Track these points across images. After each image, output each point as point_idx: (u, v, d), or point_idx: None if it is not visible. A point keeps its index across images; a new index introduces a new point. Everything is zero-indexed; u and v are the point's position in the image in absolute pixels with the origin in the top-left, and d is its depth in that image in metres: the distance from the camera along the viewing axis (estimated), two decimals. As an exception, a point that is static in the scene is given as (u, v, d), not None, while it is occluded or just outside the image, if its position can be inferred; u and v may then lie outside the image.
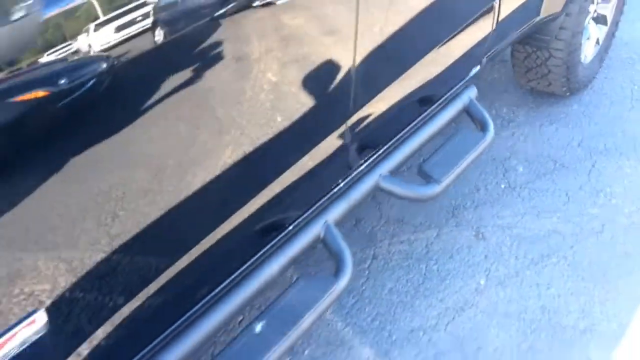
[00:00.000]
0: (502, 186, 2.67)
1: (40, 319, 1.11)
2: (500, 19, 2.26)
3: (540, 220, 2.50)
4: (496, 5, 2.23)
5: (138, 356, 1.40)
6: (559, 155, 2.83)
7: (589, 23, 3.03)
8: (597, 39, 3.19)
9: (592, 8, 2.99)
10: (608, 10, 3.14)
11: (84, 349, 1.23)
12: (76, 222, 1.15)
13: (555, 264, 2.32)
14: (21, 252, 1.07)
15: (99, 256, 1.21)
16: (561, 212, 2.53)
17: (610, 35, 3.26)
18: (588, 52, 3.13)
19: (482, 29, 2.19)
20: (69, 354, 1.21)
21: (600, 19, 3.16)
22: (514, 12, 2.36)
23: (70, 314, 1.18)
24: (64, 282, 1.14)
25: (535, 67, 2.97)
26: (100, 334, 1.26)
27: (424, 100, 2.12)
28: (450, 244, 2.41)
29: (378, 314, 2.15)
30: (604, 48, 3.26)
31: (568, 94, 3.11)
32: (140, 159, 1.24)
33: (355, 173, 1.92)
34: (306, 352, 2.04)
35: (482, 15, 2.16)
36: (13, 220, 1.03)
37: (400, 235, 2.45)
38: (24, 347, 1.10)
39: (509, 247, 2.39)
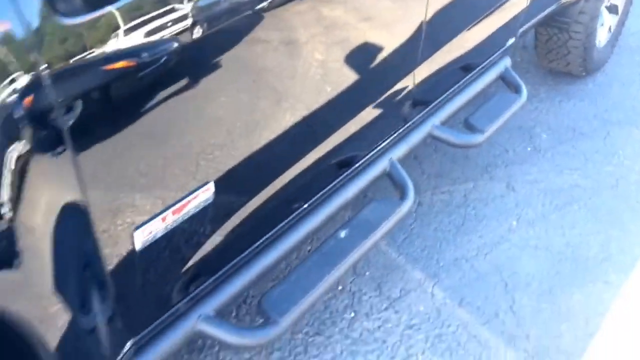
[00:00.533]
0: (529, 149, 3.04)
1: (212, 187, 1.47)
2: (534, -3, 2.64)
3: (563, 176, 2.86)
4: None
5: (261, 240, 1.77)
6: (578, 125, 3.20)
7: (602, 11, 3.40)
8: (610, 27, 3.57)
9: (608, -6, 3.37)
10: (620, 0, 3.52)
11: (235, 221, 1.59)
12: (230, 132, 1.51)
13: (577, 210, 2.68)
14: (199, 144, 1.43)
15: (245, 157, 1.57)
16: (581, 170, 2.90)
17: (621, 24, 3.64)
18: (601, 37, 3.51)
19: (518, 5, 2.57)
20: (221, 225, 1.57)
21: (612, 9, 3.53)
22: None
23: (230, 190, 1.54)
24: (229, 164, 1.50)
25: (556, 48, 3.35)
26: (242, 214, 1.63)
27: (469, 64, 2.48)
28: (485, 194, 2.77)
29: (426, 247, 2.51)
30: (615, 35, 3.64)
31: (584, 74, 3.49)
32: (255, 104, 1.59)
33: (414, 120, 2.29)
34: (367, 273, 2.40)
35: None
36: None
37: (440, 187, 2.81)
38: (199, 207, 1.46)
39: (537, 197, 2.75)
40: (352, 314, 2.26)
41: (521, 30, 2.72)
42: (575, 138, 3.11)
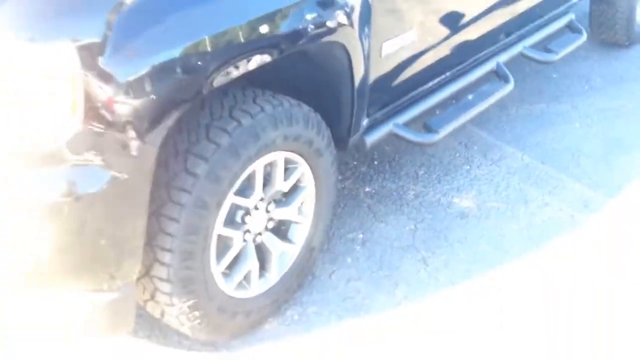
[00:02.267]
0: (586, 87, 4.13)
1: (414, 33, 2.60)
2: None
3: (613, 101, 3.96)
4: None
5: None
6: (624, 74, 4.29)
7: (641, -6, 4.51)
8: (648, 10, 4.67)
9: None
10: (656, -12, 4.63)
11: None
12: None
13: (623, 120, 3.77)
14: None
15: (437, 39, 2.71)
16: (626, 99, 3.98)
17: (658, 8, 4.74)
18: (641, 17, 4.61)
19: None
20: (417, 60, 2.69)
21: (651, -5, 4.64)
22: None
23: (422, 38, 2.66)
24: (425, 21, 2.64)
25: (606, 22, 4.44)
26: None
27: (548, 10, 3.61)
28: (555, 110, 3.86)
29: (514, 135, 3.59)
30: (653, 17, 4.74)
31: (627, 44, 4.57)
32: None
33: (512, 39, 3.40)
34: (475, 147, 3.49)
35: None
36: None
37: (522, 106, 3.89)
38: (403, 47, 2.58)
39: (593, 112, 3.84)
40: (468, 167, 3.34)
41: (581, -7, 3.85)
42: (622, 82, 4.20)
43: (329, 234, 2.78)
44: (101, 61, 1.58)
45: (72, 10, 1.55)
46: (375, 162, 3.36)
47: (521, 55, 3.49)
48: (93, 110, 1.60)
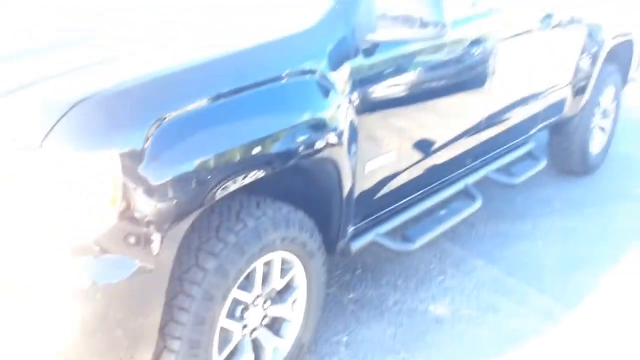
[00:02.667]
0: (547, 209, 4.52)
1: (393, 155, 2.96)
2: (545, 107, 4.26)
3: (571, 222, 4.33)
4: (543, 99, 4.23)
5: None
6: (580, 199, 4.71)
7: (594, 129, 5.01)
8: (600, 144, 5.18)
9: (597, 116, 4.98)
10: (606, 124, 5.16)
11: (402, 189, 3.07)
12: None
13: (581, 238, 4.11)
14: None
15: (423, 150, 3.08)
16: (583, 221, 4.36)
17: (609, 141, 5.25)
18: (594, 148, 5.10)
19: (538, 108, 4.19)
20: (395, 178, 3.03)
21: (603, 129, 5.17)
22: (550, 105, 4.35)
23: (400, 160, 3.02)
24: (403, 146, 3.01)
25: (563, 151, 4.92)
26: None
27: (510, 139, 4.05)
28: (519, 229, 4.21)
29: (485, 250, 3.91)
30: (605, 149, 5.24)
31: (583, 171, 5.03)
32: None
33: (477, 163, 3.80)
34: (447, 260, 3.78)
35: (538, 102, 4.16)
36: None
37: (490, 224, 4.25)
38: (383, 167, 2.93)
39: (554, 231, 4.19)
40: (442, 277, 3.63)
41: (540, 125, 4.31)
42: (579, 205, 4.61)
43: (315, 337, 2.99)
44: (138, 168, 1.89)
45: (119, 125, 1.88)
46: (358, 271, 3.63)
47: (487, 177, 3.89)
48: (127, 208, 1.89)
